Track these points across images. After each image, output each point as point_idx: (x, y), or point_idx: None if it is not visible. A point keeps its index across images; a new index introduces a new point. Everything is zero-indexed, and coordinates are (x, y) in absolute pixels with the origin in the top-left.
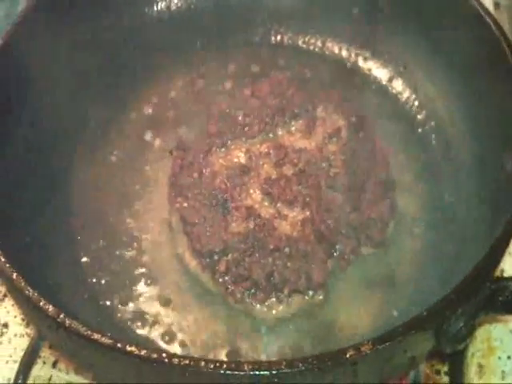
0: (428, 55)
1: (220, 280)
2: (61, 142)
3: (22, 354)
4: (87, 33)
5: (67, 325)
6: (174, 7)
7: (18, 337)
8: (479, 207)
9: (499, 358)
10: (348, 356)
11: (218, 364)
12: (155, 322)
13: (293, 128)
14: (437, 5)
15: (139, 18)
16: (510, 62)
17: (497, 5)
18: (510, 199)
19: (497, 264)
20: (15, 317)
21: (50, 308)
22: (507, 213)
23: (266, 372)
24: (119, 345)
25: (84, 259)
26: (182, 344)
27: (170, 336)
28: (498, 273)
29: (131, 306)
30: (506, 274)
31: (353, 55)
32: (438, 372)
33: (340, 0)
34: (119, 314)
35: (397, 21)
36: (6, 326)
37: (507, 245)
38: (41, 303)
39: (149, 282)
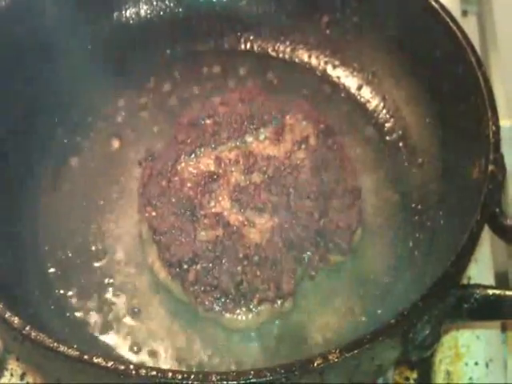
0: (396, 64)
1: (189, 289)
2: (27, 149)
3: None
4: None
5: (33, 337)
6: (143, 13)
7: None
8: (446, 214)
9: (466, 364)
10: (315, 364)
11: (185, 375)
12: (124, 333)
13: (262, 135)
14: (404, 14)
15: (108, 24)
16: (475, 71)
17: (464, 13)
18: (475, 206)
19: (463, 271)
20: None
21: (16, 320)
22: (473, 219)
23: (233, 382)
24: (86, 356)
25: (51, 270)
26: (151, 354)
27: (138, 347)
28: (464, 280)
29: (99, 316)
30: (472, 281)
31: (322, 63)
32: (407, 379)
33: (309, 8)
34: (87, 326)
35: (365, 30)
36: None
37: (473, 251)
38: (6, 315)
39: (117, 292)
